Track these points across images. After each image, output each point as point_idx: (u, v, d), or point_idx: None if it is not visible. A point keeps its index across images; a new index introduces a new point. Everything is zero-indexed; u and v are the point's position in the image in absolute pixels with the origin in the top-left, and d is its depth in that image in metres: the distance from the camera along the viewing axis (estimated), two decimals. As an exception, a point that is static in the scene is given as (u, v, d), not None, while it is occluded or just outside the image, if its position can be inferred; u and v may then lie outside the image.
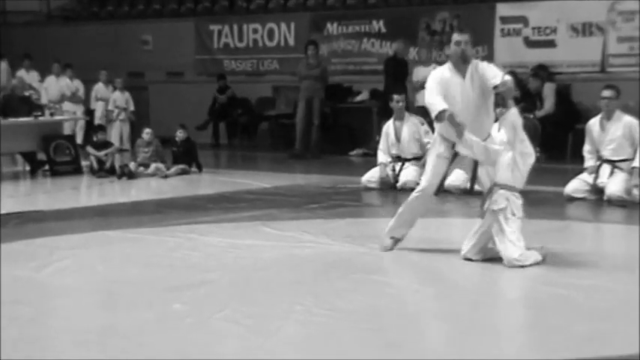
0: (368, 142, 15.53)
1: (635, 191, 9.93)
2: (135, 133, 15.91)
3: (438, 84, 7.06)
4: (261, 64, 18.40)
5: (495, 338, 5.18)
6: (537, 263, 6.83)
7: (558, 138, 14.24)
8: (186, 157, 13.46)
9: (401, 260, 7.19)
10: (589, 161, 10.47)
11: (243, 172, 13.57)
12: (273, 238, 8.10)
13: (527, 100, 14.78)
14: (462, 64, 7.11)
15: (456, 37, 7.19)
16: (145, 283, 6.50)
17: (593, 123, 10.44)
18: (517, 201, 6.99)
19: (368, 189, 11.53)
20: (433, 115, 7.04)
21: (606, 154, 10.29)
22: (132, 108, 17.64)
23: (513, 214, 6.90)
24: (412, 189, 11.18)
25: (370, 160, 12.77)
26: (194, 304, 5.85)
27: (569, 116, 14.27)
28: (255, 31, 18.44)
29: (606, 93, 10.22)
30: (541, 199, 10.50)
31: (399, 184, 11.48)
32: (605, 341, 5.01)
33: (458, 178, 11.20)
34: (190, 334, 5.20)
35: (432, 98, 7.02)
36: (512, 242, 6.80)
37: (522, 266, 6.75)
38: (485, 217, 6.97)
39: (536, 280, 6.51)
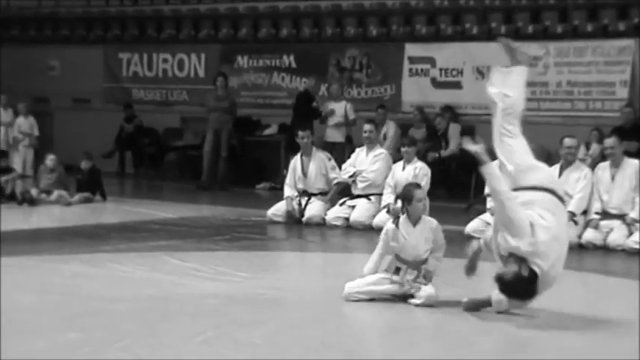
0: (275, 175, 15.53)
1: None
2: (39, 160, 15.58)
3: None
4: (170, 94, 18.31)
5: None
6: None
7: (462, 178, 14.46)
8: (90, 185, 13.25)
9: (304, 295, 7.15)
10: (490, 202, 10.64)
11: (148, 201, 13.42)
12: (175, 269, 8.00)
13: (433, 139, 15.03)
14: None
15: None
16: (39, 311, 6.32)
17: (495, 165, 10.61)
18: None
19: (273, 222, 11.52)
20: None
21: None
22: (36, 134, 17.36)
23: None
24: (317, 223, 11.36)
25: (277, 193, 12.77)
26: (91, 333, 5.72)
27: (473, 157, 14.48)
28: (165, 60, 18.36)
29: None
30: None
31: (304, 219, 11.52)
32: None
33: (362, 214, 11.35)
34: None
35: None
36: None
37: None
38: None
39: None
